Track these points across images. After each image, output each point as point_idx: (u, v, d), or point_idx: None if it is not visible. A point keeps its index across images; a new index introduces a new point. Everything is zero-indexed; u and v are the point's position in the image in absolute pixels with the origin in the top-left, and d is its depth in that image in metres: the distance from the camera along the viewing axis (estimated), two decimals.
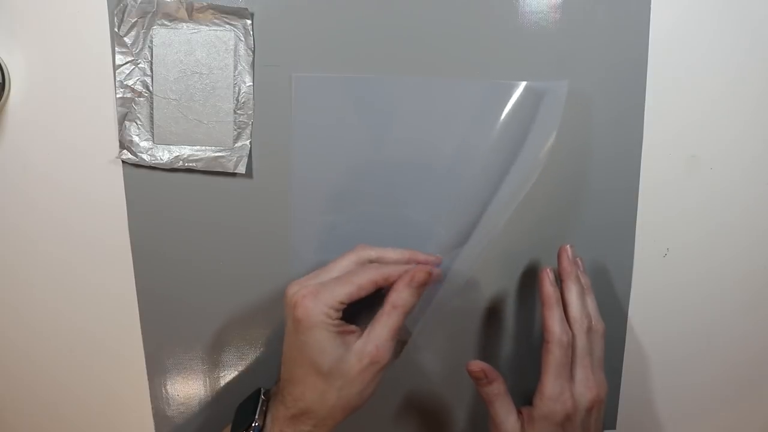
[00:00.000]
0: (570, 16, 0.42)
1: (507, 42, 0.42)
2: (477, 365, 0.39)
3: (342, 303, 0.35)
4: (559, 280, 0.41)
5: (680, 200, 0.44)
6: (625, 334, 0.46)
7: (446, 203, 0.43)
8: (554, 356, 0.37)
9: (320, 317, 0.34)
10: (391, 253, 0.38)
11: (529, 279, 0.45)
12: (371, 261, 0.38)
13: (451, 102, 0.42)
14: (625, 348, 0.46)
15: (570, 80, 0.42)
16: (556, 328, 0.38)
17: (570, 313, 0.39)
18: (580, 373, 0.38)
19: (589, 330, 0.39)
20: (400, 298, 0.35)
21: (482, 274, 0.45)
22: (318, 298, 0.34)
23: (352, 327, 0.36)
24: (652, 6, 0.42)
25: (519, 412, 0.39)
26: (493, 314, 0.45)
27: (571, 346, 0.38)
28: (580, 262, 0.42)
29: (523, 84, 0.42)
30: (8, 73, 0.41)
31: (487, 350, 0.46)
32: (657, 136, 0.43)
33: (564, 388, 0.37)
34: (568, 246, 0.41)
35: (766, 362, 0.47)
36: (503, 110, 0.42)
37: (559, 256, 0.41)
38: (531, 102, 0.42)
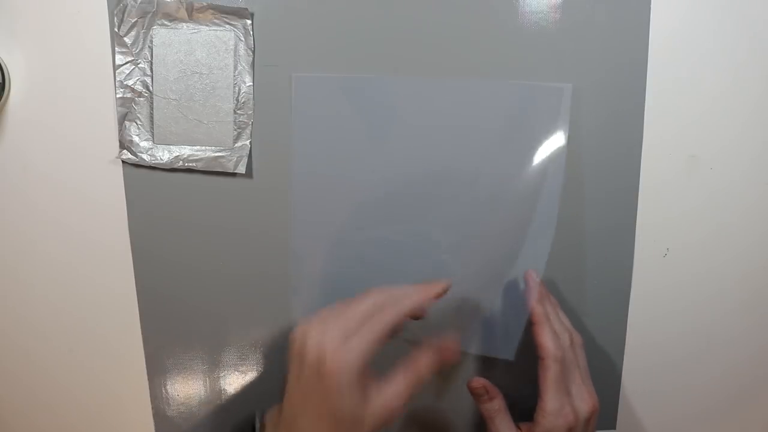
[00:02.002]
0: (570, 16, 0.42)
1: (507, 42, 0.42)
2: (479, 381, 0.40)
3: (370, 356, 0.33)
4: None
5: (680, 200, 0.44)
6: (625, 334, 0.46)
7: (446, 203, 0.43)
8: (552, 372, 0.38)
9: (353, 375, 0.32)
10: (405, 296, 0.36)
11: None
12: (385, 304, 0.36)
13: (452, 102, 0.42)
14: (625, 348, 0.46)
15: (570, 80, 0.42)
16: (550, 344, 0.38)
17: (554, 329, 0.39)
18: (574, 386, 0.39)
19: (572, 344, 0.40)
20: (424, 365, 0.35)
21: (480, 277, 0.45)
22: (349, 352, 0.32)
23: (371, 376, 0.34)
24: (652, 6, 0.42)
25: (518, 428, 0.40)
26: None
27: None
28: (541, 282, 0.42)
29: (524, 84, 0.42)
30: (8, 73, 0.41)
31: (485, 366, 0.46)
32: (657, 136, 0.43)
33: (564, 402, 0.38)
34: (531, 271, 0.42)
35: (766, 362, 0.47)
36: (503, 110, 0.42)
37: (528, 281, 0.42)
38: (533, 103, 0.42)
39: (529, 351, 0.40)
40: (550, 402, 0.37)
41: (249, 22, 0.41)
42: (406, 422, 0.47)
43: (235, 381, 0.46)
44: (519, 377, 0.43)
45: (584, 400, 0.38)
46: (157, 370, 0.46)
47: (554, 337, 0.39)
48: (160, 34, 0.41)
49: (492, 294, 0.44)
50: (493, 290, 0.44)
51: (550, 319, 0.40)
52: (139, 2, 0.40)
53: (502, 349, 0.44)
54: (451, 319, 0.44)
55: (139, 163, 0.42)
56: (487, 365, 0.46)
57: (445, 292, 0.37)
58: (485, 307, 0.44)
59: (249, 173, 0.43)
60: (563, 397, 0.38)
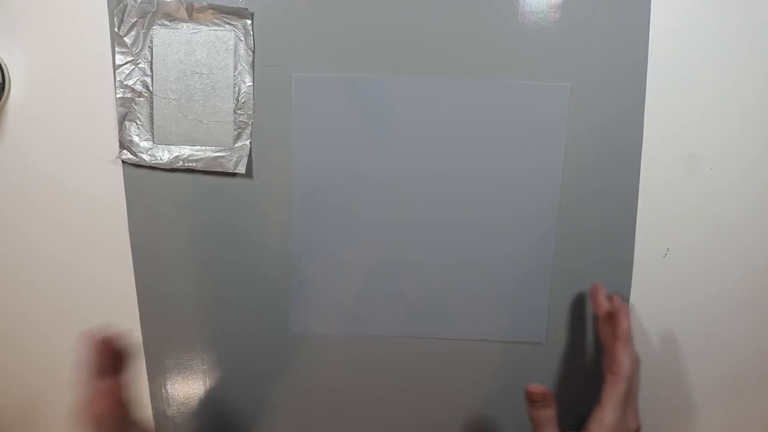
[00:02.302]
0: (570, 16, 0.42)
1: (507, 42, 0.42)
2: (539, 388, 0.39)
3: None
4: (609, 317, 0.42)
5: (680, 200, 0.44)
6: None
7: (446, 203, 0.43)
8: (620, 389, 0.39)
9: None
10: None
11: (532, 279, 0.45)
12: None
13: (451, 102, 0.42)
14: None
15: (570, 80, 0.42)
16: (628, 363, 0.39)
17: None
18: (630, 405, 0.39)
19: (636, 364, 0.40)
20: None
21: (479, 276, 0.45)
22: None
23: None
24: (652, 6, 0.42)
25: None
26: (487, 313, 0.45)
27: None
28: (615, 297, 0.43)
29: (524, 84, 0.42)
30: (8, 73, 0.41)
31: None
32: (657, 136, 0.43)
33: (621, 418, 0.39)
34: (598, 284, 0.43)
35: (766, 362, 0.47)
36: (503, 110, 0.42)
37: (596, 295, 0.43)
38: (532, 102, 0.42)
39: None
40: (610, 415, 0.38)
41: (249, 22, 0.41)
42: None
43: (235, 381, 0.46)
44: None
45: (635, 420, 0.40)
46: (157, 370, 0.46)
47: (632, 357, 0.40)
48: (160, 34, 0.41)
49: (498, 285, 0.44)
50: (498, 282, 0.44)
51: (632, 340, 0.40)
52: (139, 2, 0.40)
53: (530, 332, 0.45)
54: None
55: (139, 163, 0.42)
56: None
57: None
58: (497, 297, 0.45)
59: (249, 173, 0.43)
60: (620, 413, 0.39)
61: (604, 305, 0.42)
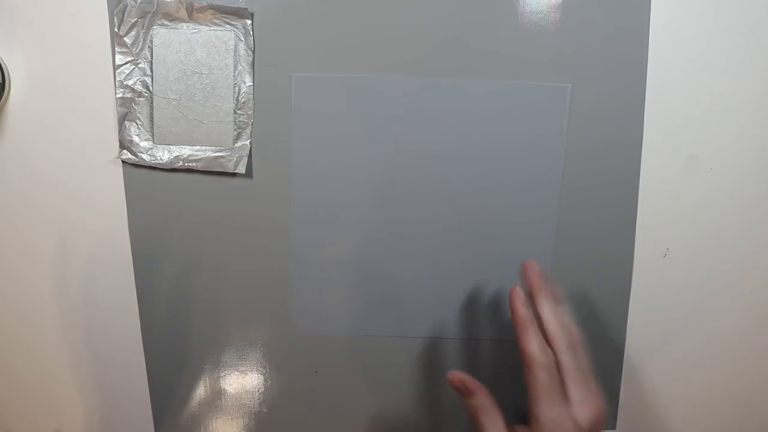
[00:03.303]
0: (570, 16, 0.42)
1: (507, 42, 0.42)
2: (456, 375, 0.37)
3: None
4: (530, 297, 0.38)
5: (680, 200, 0.44)
6: (625, 334, 0.46)
7: (446, 203, 0.43)
8: (540, 380, 0.35)
9: None
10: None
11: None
12: None
13: (451, 102, 0.42)
14: (625, 348, 0.46)
15: (570, 80, 0.42)
16: (535, 350, 0.35)
17: (549, 330, 0.36)
18: (575, 391, 0.35)
19: (571, 343, 0.36)
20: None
21: (480, 275, 0.45)
22: None
23: None
24: (651, 6, 0.42)
25: (512, 430, 0.37)
26: (484, 321, 0.45)
27: (557, 364, 0.35)
28: (545, 273, 0.39)
29: (524, 84, 0.42)
30: (8, 73, 0.41)
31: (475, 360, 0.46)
32: (657, 136, 0.43)
33: (560, 411, 0.34)
34: (530, 261, 0.39)
35: (766, 362, 0.47)
36: (503, 110, 0.42)
37: (525, 272, 0.39)
38: (532, 102, 0.42)
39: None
40: (543, 413, 0.34)
41: (249, 22, 0.41)
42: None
43: (235, 381, 0.46)
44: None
45: (588, 407, 0.34)
46: (157, 370, 0.46)
47: (540, 342, 0.35)
48: (160, 34, 0.41)
49: (498, 285, 0.45)
50: (498, 282, 0.44)
51: (538, 320, 0.37)
52: (139, 2, 0.40)
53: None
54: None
55: (139, 163, 0.42)
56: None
57: None
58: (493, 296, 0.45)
59: (249, 173, 0.43)
60: (559, 406, 0.34)
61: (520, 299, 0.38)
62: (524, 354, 0.35)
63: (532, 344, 0.35)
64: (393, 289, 0.45)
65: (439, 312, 0.45)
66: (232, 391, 0.46)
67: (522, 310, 0.37)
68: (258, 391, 0.46)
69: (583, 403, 0.34)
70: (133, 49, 0.41)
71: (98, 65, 0.41)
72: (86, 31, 0.41)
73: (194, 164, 0.42)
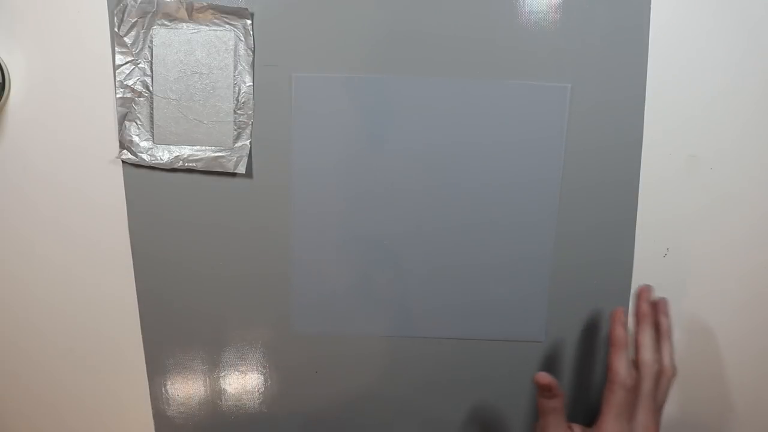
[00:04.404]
0: (570, 16, 0.42)
1: (507, 42, 0.42)
2: (545, 378, 0.39)
3: None
4: (636, 321, 0.42)
5: (680, 200, 0.44)
6: None
7: (446, 202, 0.43)
8: (616, 397, 0.38)
9: None
10: None
11: (532, 279, 0.45)
12: None
13: (451, 101, 0.42)
14: None
15: (570, 80, 0.42)
16: (622, 370, 0.39)
17: (641, 356, 0.40)
18: (642, 415, 0.38)
19: (659, 374, 0.40)
20: None
21: (479, 275, 0.45)
22: None
23: None
24: (651, 6, 0.42)
25: (570, 430, 0.41)
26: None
27: (637, 388, 0.39)
28: (662, 304, 0.43)
29: (524, 84, 0.42)
30: (8, 73, 0.41)
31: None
32: (657, 136, 0.43)
33: (623, 428, 0.38)
34: (647, 286, 0.43)
35: (766, 362, 0.47)
36: (503, 110, 0.42)
37: (638, 296, 0.42)
38: (532, 102, 0.42)
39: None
40: (609, 425, 0.38)
41: (249, 22, 0.41)
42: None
43: (235, 381, 0.46)
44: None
45: (646, 430, 0.38)
46: (157, 370, 0.46)
47: (628, 365, 0.39)
48: (160, 34, 0.41)
49: (498, 285, 0.45)
50: (498, 282, 0.44)
51: (636, 344, 0.40)
52: (139, 2, 0.40)
53: (531, 331, 0.45)
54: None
55: (139, 163, 0.42)
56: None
57: None
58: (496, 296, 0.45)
59: (249, 173, 0.43)
60: (624, 424, 0.38)
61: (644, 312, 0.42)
62: (610, 370, 0.39)
63: (620, 364, 0.39)
64: (393, 289, 0.45)
65: (439, 312, 0.45)
66: (232, 391, 0.46)
67: (619, 331, 0.40)
68: (258, 391, 0.46)
69: (644, 428, 0.38)
70: (133, 49, 0.41)
71: (98, 65, 0.41)
72: (86, 31, 0.41)
73: (194, 164, 0.42)
